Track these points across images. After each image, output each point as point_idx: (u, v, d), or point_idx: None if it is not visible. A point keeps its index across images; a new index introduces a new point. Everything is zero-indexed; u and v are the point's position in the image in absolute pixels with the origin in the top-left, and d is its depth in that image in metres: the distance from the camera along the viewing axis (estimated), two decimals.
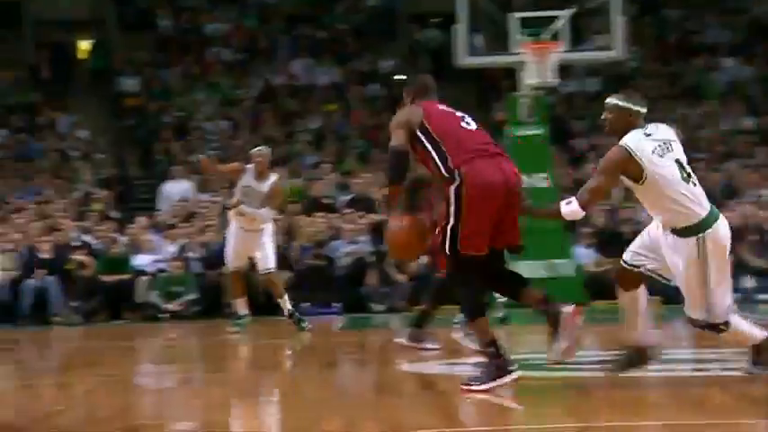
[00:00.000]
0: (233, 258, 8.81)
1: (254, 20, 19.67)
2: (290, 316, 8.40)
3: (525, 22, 12.32)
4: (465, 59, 12.72)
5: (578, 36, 13.22)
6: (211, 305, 12.05)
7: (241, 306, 8.59)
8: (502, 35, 12.79)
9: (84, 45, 20.60)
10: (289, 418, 3.98)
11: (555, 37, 12.06)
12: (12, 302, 11.69)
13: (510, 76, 13.20)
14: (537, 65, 12.00)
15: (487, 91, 16.13)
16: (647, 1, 17.93)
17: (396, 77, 16.06)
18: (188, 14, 19.93)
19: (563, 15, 12.32)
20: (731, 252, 4.30)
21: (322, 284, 11.84)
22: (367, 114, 16.53)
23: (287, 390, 5.46)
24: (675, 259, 3.89)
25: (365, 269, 12.17)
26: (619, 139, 3.87)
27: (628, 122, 3.88)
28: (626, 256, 4.00)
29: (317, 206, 13.46)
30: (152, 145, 17.17)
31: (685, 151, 4.03)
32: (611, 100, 4.06)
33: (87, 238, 13.08)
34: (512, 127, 12.22)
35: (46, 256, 12.18)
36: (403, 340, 6.09)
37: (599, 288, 11.28)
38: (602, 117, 4.11)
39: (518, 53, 12.03)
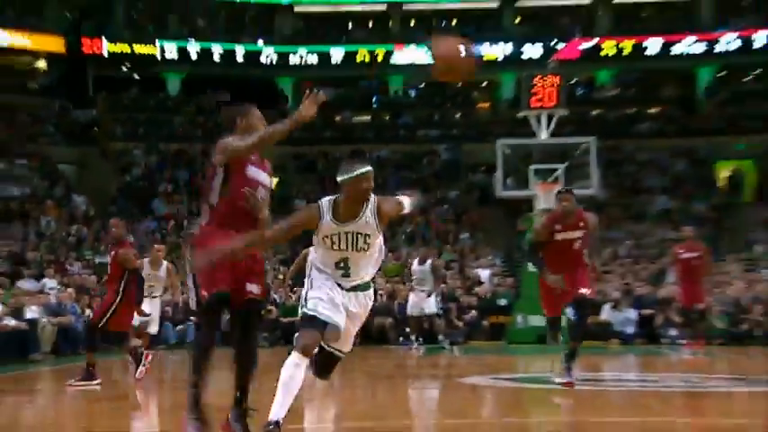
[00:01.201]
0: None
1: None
2: None
3: (537, 171, 18.20)
4: (501, 193, 18.86)
5: (569, 178, 18.22)
6: None
7: None
8: (524, 177, 18.62)
9: None
10: None
11: (555, 179, 17.78)
12: None
13: (528, 202, 18.46)
14: (544, 196, 17.18)
15: (515, 212, 21.27)
16: (611, 160, 23.43)
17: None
18: None
19: (561, 167, 18.33)
20: None
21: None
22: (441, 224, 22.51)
23: None
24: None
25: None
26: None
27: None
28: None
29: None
30: None
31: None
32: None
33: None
34: (528, 234, 16.96)
35: None
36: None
37: None
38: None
39: (533, 189, 18.14)
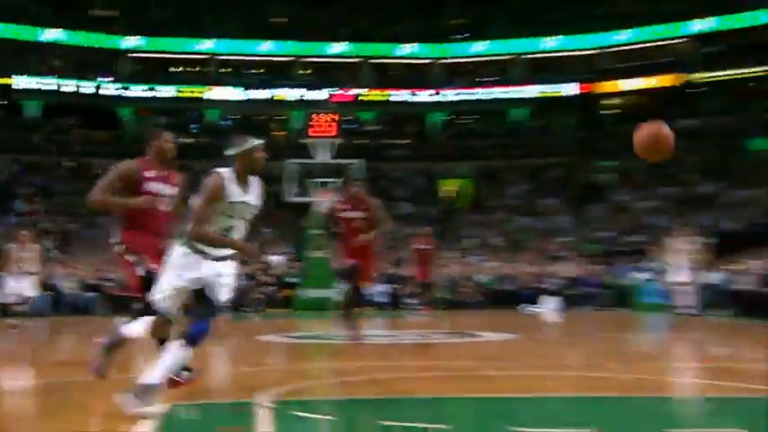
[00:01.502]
0: None
1: None
2: None
3: (317, 183, 21.72)
4: (289, 199, 21.88)
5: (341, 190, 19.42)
6: None
7: None
8: (307, 188, 22.27)
9: None
10: None
11: (330, 190, 21.14)
12: None
13: (309, 206, 21.46)
14: (322, 202, 19.96)
15: (301, 213, 23.55)
16: (372, 176, 25.37)
17: None
18: None
19: (336, 181, 21.72)
20: None
21: None
22: None
23: None
24: None
25: None
26: None
27: None
28: None
29: None
30: None
31: None
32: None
33: None
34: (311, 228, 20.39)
35: None
36: None
37: None
38: None
39: (314, 197, 21.40)
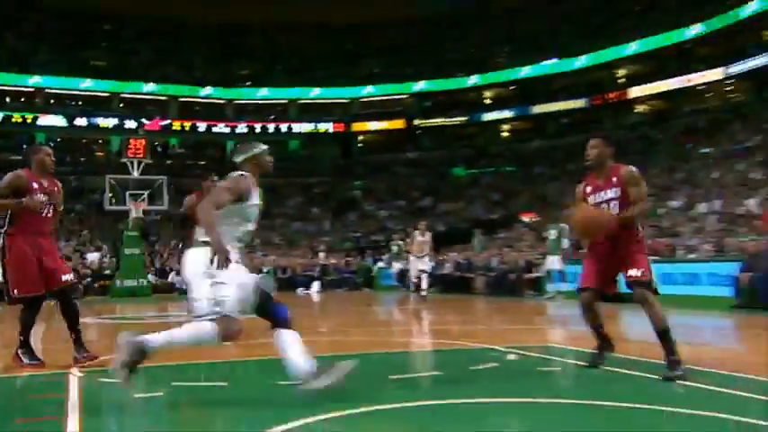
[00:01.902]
0: None
1: None
2: None
3: (131, 195, 22.68)
4: (108, 207, 23.00)
5: (151, 200, 22.86)
6: None
7: None
8: (123, 198, 23.16)
9: None
10: None
11: (142, 200, 22.71)
12: None
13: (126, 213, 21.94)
14: (135, 210, 22.45)
15: (119, 218, 25.62)
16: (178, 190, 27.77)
17: None
18: None
19: (146, 192, 23.06)
20: None
21: None
22: None
23: None
24: None
25: None
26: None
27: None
28: None
29: None
30: None
31: None
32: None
33: None
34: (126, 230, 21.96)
35: None
36: None
37: None
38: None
39: (129, 206, 22.49)
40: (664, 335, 4.24)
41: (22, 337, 5.01)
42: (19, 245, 4.88)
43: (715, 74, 32.34)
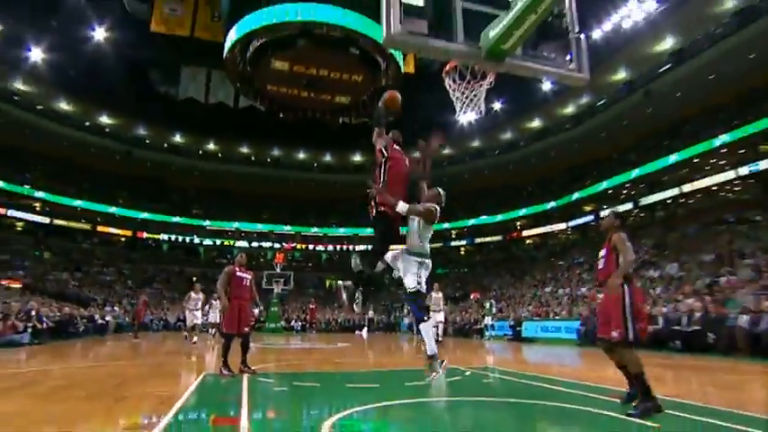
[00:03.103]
0: None
1: None
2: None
3: None
4: (264, 286, 34.07)
5: None
6: None
7: None
8: (271, 282, 35.60)
9: None
10: None
11: (279, 283, 34.05)
12: None
13: None
14: (276, 288, 31.86)
15: (271, 292, 37.49)
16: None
17: None
18: None
19: (282, 279, 34.36)
20: None
21: None
22: None
23: None
24: None
25: None
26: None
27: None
28: None
29: None
30: None
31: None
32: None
33: None
34: None
35: None
36: None
37: None
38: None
39: (274, 286, 35.79)
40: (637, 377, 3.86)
41: (223, 358, 5.77)
42: (233, 304, 5.64)
43: (560, 226, 38.14)
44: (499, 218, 41.99)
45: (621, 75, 30.76)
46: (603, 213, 3.54)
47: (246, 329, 6.15)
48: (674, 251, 22.79)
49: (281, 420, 3.78)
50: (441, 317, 11.97)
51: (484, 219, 42.66)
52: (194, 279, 27.35)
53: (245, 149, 44.51)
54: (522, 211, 40.87)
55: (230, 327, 6.02)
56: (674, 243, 24.13)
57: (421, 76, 18.46)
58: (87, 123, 36.35)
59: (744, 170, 26.25)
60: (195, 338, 10.23)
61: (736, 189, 28.80)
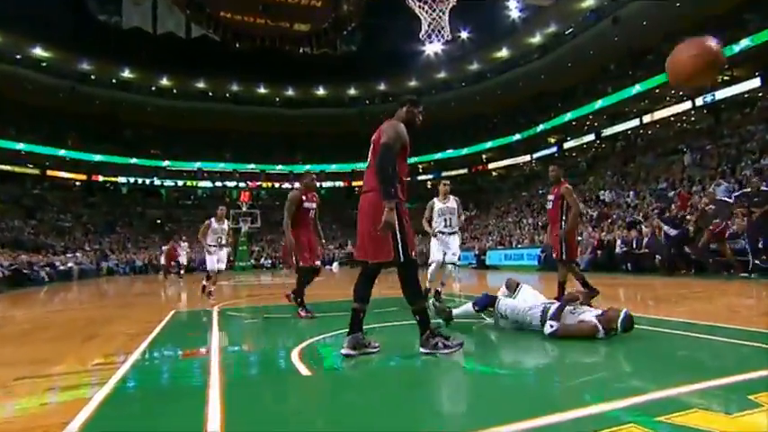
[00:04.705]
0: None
1: None
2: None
3: None
4: (231, 226, 38.58)
5: None
6: None
7: None
8: (238, 220, 37.83)
9: None
10: None
11: (246, 222, 38.95)
12: None
13: None
14: (244, 226, 34.24)
15: (239, 231, 42.95)
16: None
17: None
18: None
19: (250, 218, 37.19)
20: None
21: None
22: None
23: None
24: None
25: None
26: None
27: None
28: None
29: None
30: None
31: None
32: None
33: None
34: None
35: None
36: None
37: None
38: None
39: (242, 225, 34.64)
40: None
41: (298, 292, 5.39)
42: (296, 234, 5.34)
43: (525, 159, 40.23)
44: (465, 151, 43.11)
45: (589, 1, 30.72)
46: (551, 167, 4.97)
47: (318, 263, 5.56)
48: (632, 180, 23.77)
49: (252, 352, 3.85)
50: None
51: (450, 152, 43.49)
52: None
53: (201, 84, 43.62)
54: (488, 144, 41.99)
55: (307, 259, 5.41)
56: (633, 172, 25.13)
57: (384, 1, 17.57)
58: (18, 56, 34.26)
59: (699, 101, 26.71)
60: (213, 289, 8.15)
61: (693, 119, 29.78)
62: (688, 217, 11.17)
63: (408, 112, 3.57)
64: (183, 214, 39.12)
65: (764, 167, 16.75)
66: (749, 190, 9.55)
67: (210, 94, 43.47)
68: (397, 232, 3.13)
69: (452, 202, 6.48)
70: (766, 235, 8.78)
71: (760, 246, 8.87)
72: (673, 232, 10.64)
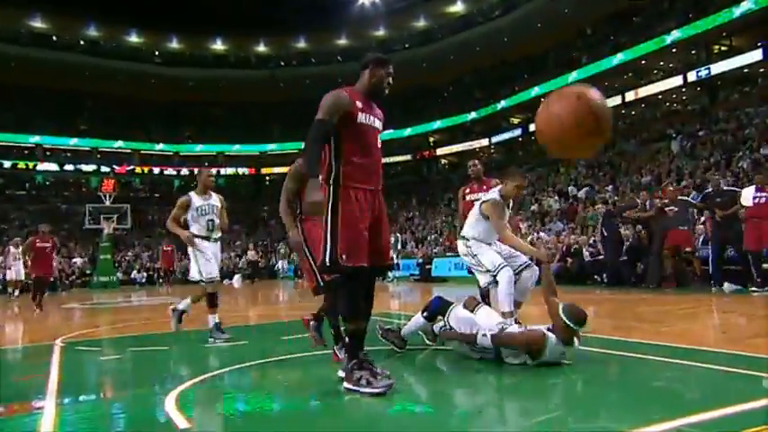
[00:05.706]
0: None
1: None
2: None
3: (105, 217, 29.62)
4: (87, 226, 35.19)
5: (119, 221, 37.89)
6: None
7: None
8: (99, 219, 40.39)
9: None
10: None
11: (112, 221, 36.05)
12: None
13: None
14: (107, 226, 39.05)
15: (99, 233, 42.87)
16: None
17: None
18: None
19: (116, 215, 36.58)
20: None
21: None
22: None
23: None
24: None
25: None
26: None
27: None
28: None
29: None
30: None
31: None
32: None
33: None
34: (100, 241, 38.49)
35: None
36: None
37: None
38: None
39: (102, 225, 32.64)
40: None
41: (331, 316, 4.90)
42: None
43: (482, 143, 41.29)
44: (408, 132, 43.13)
45: None
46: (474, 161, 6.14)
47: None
48: (611, 172, 24.76)
49: (107, 400, 3.71)
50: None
51: (390, 133, 41.89)
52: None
53: (38, 23, 40.05)
54: (437, 124, 42.39)
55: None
56: (612, 162, 26.16)
57: None
58: None
59: (692, 76, 28.51)
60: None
61: (684, 98, 31.58)
62: (637, 215, 11.79)
63: (373, 76, 3.63)
64: (12, 210, 37.51)
65: (763, 158, 17.68)
66: (710, 190, 10.21)
67: (55, 38, 40.44)
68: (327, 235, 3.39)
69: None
70: (736, 242, 9.22)
71: (728, 255, 9.49)
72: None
